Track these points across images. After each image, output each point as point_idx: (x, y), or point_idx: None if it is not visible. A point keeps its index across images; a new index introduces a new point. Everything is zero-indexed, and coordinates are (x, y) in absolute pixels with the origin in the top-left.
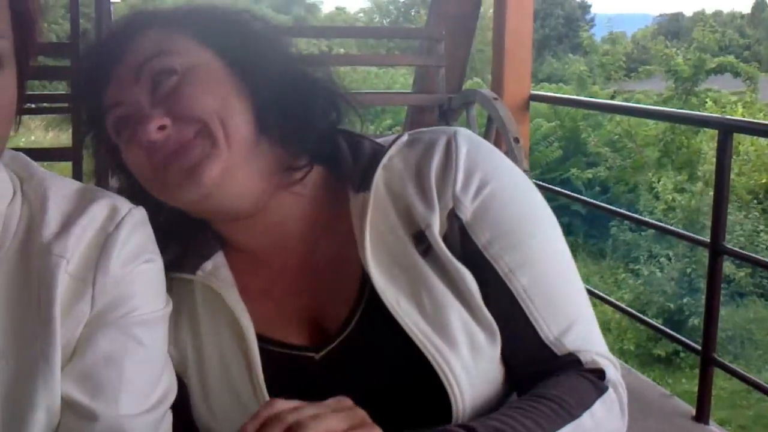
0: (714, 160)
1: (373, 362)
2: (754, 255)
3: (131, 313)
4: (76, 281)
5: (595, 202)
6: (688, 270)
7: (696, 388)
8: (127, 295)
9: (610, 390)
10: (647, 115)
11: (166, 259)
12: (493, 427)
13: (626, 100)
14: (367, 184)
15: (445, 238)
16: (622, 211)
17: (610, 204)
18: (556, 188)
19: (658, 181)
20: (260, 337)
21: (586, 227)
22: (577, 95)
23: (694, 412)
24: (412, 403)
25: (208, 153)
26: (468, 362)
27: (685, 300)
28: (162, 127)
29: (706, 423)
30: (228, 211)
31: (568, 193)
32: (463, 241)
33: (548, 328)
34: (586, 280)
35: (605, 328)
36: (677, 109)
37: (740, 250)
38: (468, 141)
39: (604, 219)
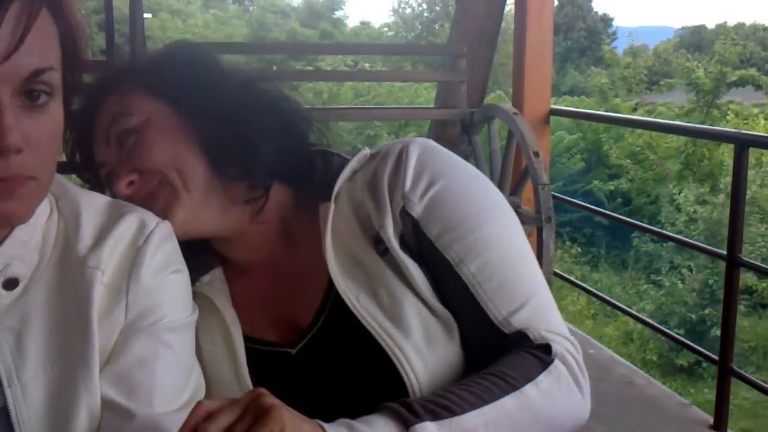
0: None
1: (340, 353)
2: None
3: (161, 321)
4: (111, 291)
5: (610, 213)
6: (710, 281)
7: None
8: (157, 303)
9: (557, 362)
10: (665, 129)
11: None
12: (432, 401)
13: (648, 112)
14: (328, 195)
15: (402, 236)
16: (638, 223)
17: (632, 216)
18: (575, 200)
19: (680, 193)
20: (247, 337)
21: (609, 238)
22: (599, 108)
23: (712, 421)
24: (374, 387)
25: (171, 201)
26: (422, 348)
27: (706, 311)
28: (131, 182)
29: (723, 431)
30: (210, 238)
31: (586, 205)
32: (417, 237)
33: (497, 310)
34: (608, 290)
35: (627, 338)
36: (699, 121)
37: (757, 263)
38: (420, 146)
39: (627, 230)
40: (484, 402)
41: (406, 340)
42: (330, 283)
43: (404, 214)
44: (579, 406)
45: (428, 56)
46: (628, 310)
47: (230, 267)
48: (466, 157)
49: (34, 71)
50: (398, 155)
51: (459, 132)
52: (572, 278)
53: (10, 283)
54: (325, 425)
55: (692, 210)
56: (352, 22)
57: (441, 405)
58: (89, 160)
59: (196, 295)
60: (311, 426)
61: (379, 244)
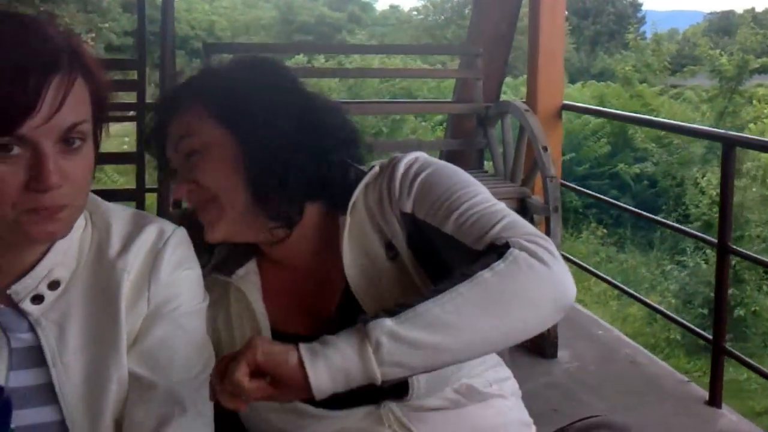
0: (760, 156)
1: None
2: (755, 255)
3: (177, 308)
4: (135, 287)
5: (613, 201)
6: (733, 261)
7: (739, 377)
8: (174, 295)
9: (513, 249)
10: (661, 127)
11: (213, 263)
12: (392, 306)
13: (675, 96)
14: (345, 208)
15: (410, 236)
16: (635, 209)
17: (658, 198)
18: (581, 188)
19: (703, 177)
20: (274, 330)
21: (635, 219)
22: (624, 93)
23: (707, 397)
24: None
25: (216, 217)
26: None
27: (730, 291)
28: (189, 190)
29: (719, 407)
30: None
31: (590, 192)
32: (416, 227)
33: (478, 244)
34: (633, 270)
35: (652, 318)
36: (722, 107)
37: (744, 251)
38: (406, 158)
39: (653, 212)
40: (440, 293)
41: None
42: (347, 283)
43: (403, 215)
44: (547, 278)
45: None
46: (628, 290)
47: (265, 261)
48: (481, 150)
49: (71, 125)
50: (390, 172)
51: (475, 125)
52: (580, 262)
53: (54, 285)
54: (300, 344)
55: (715, 193)
56: (380, 6)
57: (399, 305)
58: (160, 148)
59: (230, 287)
60: (282, 347)
61: (389, 250)
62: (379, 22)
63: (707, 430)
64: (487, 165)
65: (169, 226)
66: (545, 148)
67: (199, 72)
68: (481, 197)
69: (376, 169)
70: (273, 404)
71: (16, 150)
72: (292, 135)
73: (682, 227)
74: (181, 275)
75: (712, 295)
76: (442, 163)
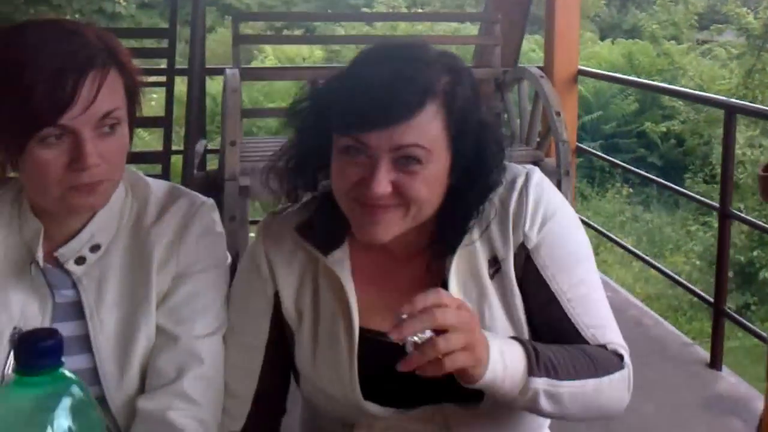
0: None
1: None
2: (756, 221)
3: (203, 270)
4: (166, 251)
5: (619, 162)
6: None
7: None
8: (199, 259)
9: (627, 370)
10: (664, 92)
11: (311, 235)
12: (549, 359)
13: (705, 52)
14: (460, 231)
15: (516, 260)
16: (641, 171)
17: (686, 156)
18: (594, 151)
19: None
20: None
21: (662, 178)
22: (651, 51)
23: (709, 359)
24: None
25: (395, 223)
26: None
27: (755, 253)
28: (386, 193)
29: (719, 369)
30: None
31: (601, 155)
32: (526, 264)
33: (587, 329)
34: (658, 230)
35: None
36: (750, 65)
37: (745, 216)
38: (535, 187)
39: (680, 171)
40: (578, 377)
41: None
42: (443, 287)
43: (521, 247)
44: (624, 401)
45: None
46: (634, 250)
47: (356, 247)
48: (498, 113)
49: (106, 113)
50: (520, 192)
51: (493, 89)
52: (592, 222)
53: (95, 248)
54: (486, 333)
55: (741, 153)
56: None
57: (553, 366)
58: (322, 136)
59: (321, 265)
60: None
61: (492, 266)
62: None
63: (705, 391)
64: (504, 129)
65: (198, 199)
66: (558, 113)
67: (433, 65)
68: (593, 276)
69: (508, 178)
70: (336, 399)
71: (60, 137)
72: (489, 146)
73: (682, 190)
74: (207, 241)
75: (738, 257)
76: (564, 203)
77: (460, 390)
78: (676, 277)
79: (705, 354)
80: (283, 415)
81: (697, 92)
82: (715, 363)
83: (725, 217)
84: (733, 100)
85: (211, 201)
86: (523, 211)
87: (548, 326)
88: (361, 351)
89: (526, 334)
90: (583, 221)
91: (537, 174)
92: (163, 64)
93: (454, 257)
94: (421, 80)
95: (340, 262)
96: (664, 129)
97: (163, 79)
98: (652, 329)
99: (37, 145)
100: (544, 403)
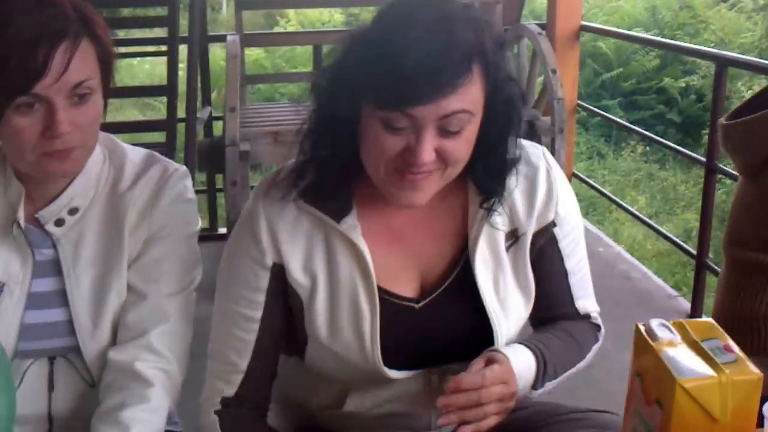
0: None
1: (453, 315)
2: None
3: (173, 234)
4: (139, 215)
5: (615, 119)
6: None
7: None
8: (171, 221)
9: (601, 339)
10: (661, 47)
11: (318, 201)
12: (552, 359)
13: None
14: (493, 192)
15: (536, 236)
16: (636, 128)
17: (705, 111)
18: (595, 109)
19: (748, 90)
20: (378, 287)
21: (681, 135)
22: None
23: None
24: (469, 345)
25: (433, 185)
26: (512, 323)
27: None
28: (434, 159)
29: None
30: None
31: (600, 111)
32: (548, 241)
33: (578, 300)
34: (672, 188)
35: (686, 236)
36: None
37: (731, 170)
38: (559, 175)
39: (699, 127)
40: (570, 367)
41: (506, 323)
42: (461, 253)
43: (551, 225)
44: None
45: None
46: (628, 207)
47: (366, 211)
48: None
49: (78, 83)
50: (547, 178)
51: None
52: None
53: (73, 211)
54: (501, 349)
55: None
56: None
57: (555, 370)
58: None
59: (334, 232)
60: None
61: (509, 239)
62: None
63: None
64: None
65: (171, 166)
66: (554, 71)
67: (463, 22)
68: (583, 248)
69: (528, 156)
70: (352, 363)
71: (34, 105)
72: (516, 95)
73: (672, 144)
74: (178, 207)
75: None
76: (572, 196)
77: (472, 352)
78: (664, 231)
79: (688, 306)
80: (275, 379)
81: (687, 45)
82: (695, 314)
83: (711, 171)
84: (724, 52)
85: (183, 168)
86: (554, 191)
87: (551, 296)
88: (385, 312)
89: (532, 302)
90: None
91: (553, 161)
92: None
93: (476, 232)
94: (462, 44)
95: (354, 228)
96: (684, 84)
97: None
98: (639, 282)
99: (13, 113)
100: (549, 382)
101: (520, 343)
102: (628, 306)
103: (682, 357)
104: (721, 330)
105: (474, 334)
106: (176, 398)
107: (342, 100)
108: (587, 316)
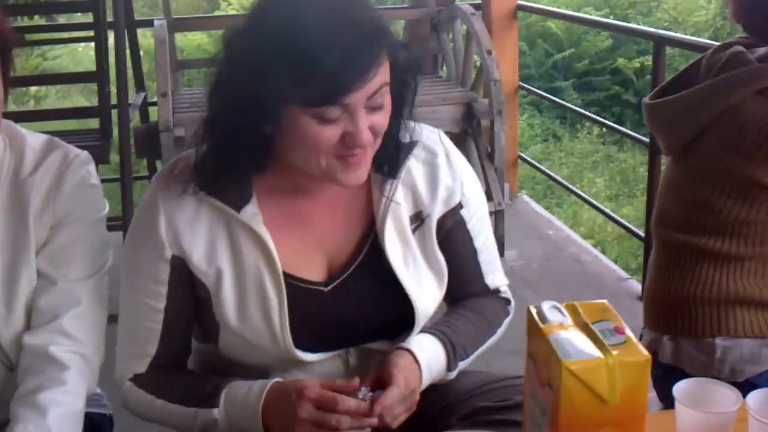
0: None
1: (367, 295)
2: None
3: (78, 219)
4: (43, 202)
5: (567, 104)
6: None
7: None
8: (75, 207)
9: (511, 313)
10: (599, 26)
11: (217, 191)
12: (459, 343)
13: None
14: (395, 173)
15: (444, 218)
16: (588, 113)
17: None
18: (540, 92)
19: None
20: (284, 273)
21: (638, 116)
22: None
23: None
24: (387, 324)
25: (369, 159)
26: (428, 299)
27: None
28: (370, 139)
29: None
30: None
31: (544, 94)
32: (456, 222)
33: (488, 276)
34: (632, 170)
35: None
36: None
37: None
38: (457, 157)
39: None
40: (481, 344)
41: (423, 298)
42: (368, 233)
43: (458, 207)
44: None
45: None
46: (576, 190)
47: (265, 197)
48: (436, 55)
49: None
50: (447, 159)
51: (428, 30)
52: (533, 161)
53: None
54: (417, 355)
55: None
56: None
57: (465, 350)
58: (283, 85)
59: (235, 221)
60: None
61: (414, 221)
62: None
63: (632, 322)
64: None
65: (72, 152)
66: (489, 52)
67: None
68: (489, 225)
69: (426, 141)
70: (264, 349)
71: None
72: (414, 64)
73: (616, 126)
74: (82, 192)
75: None
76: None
77: (390, 331)
78: (611, 213)
79: (639, 287)
80: (189, 354)
81: (627, 24)
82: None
83: (655, 153)
84: (662, 31)
85: (85, 153)
86: (457, 172)
87: (462, 275)
88: (292, 298)
89: (445, 281)
90: (536, 168)
91: (448, 141)
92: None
93: (383, 212)
94: (369, 23)
95: (255, 216)
96: (638, 65)
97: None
98: (589, 265)
99: None
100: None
101: (426, 331)
102: (578, 289)
103: (571, 339)
104: (614, 312)
105: (389, 314)
106: (95, 380)
107: (249, 107)
108: (497, 291)
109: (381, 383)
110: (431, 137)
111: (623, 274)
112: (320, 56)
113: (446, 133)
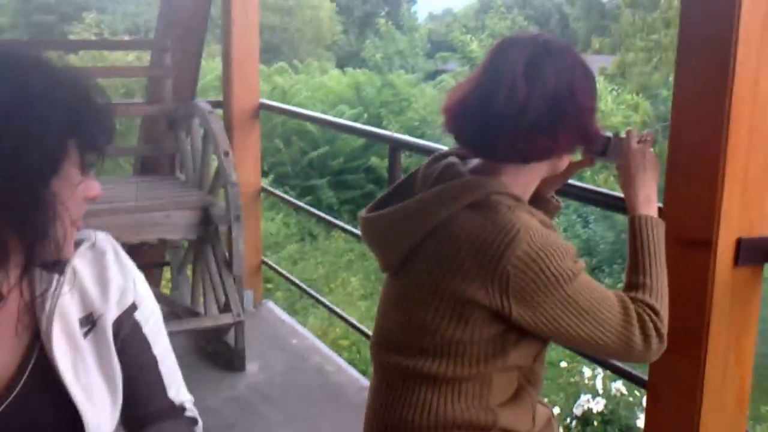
0: None
1: (40, 412)
2: None
3: None
4: None
5: (313, 210)
6: None
7: None
8: None
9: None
10: (338, 128)
11: None
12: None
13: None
14: (62, 268)
15: (119, 323)
16: (337, 221)
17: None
18: (284, 195)
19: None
20: None
21: None
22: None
23: None
24: None
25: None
26: (102, 421)
27: None
28: None
29: None
30: None
31: (292, 200)
32: (133, 324)
33: (170, 389)
34: None
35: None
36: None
37: None
38: (126, 258)
39: None
40: None
41: (93, 409)
42: (34, 344)
43: (132, 308)
44: None
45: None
46: (319, 297)
47: None
48: (173, 155)
49: None
50: (116, 258)
51: (166, 127)
52: (279, 268)
53: None
54: None
55: None
56: None
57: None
58: None
59: None
60: None
61: (84, 325)
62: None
63: None
64: (178, 173)
65: None
66: (226, 153)
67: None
68: (167, 340)
69: (87, 244)
70: None
71: None
72: None
73: (336, 221)
74: None
75: None
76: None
77: None
78: (341, 313)
79: None
80: None
81: (366, 128)
82: None
83: None
84: (397, 135)
85: None
86: (128, 272)
87: (142, 388)
88: None
89: (120, 393)
90: (278, 272)
91: (103, 237)
92: None
93: (51, 317)
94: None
95: None
96: (386, 164)
97: None
98: (333, 376)
99: None
100: None
101: None
102: (322, 402)
103: None
104: None
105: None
106: None
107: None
108: (182, 409)
109: None
110: (100, 236)
111: (366, 382)
112: (76, 110)
113: (182, 239)
